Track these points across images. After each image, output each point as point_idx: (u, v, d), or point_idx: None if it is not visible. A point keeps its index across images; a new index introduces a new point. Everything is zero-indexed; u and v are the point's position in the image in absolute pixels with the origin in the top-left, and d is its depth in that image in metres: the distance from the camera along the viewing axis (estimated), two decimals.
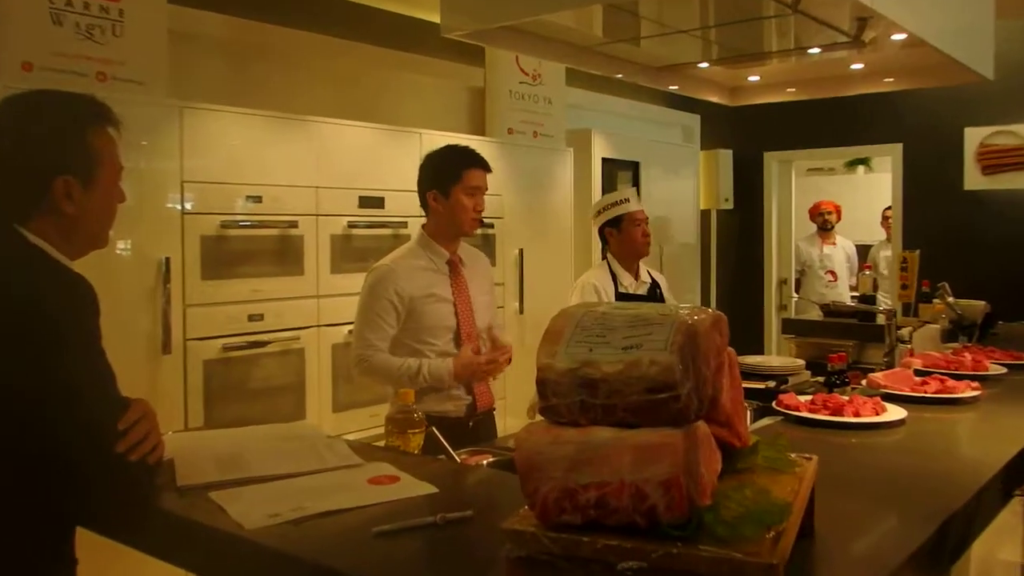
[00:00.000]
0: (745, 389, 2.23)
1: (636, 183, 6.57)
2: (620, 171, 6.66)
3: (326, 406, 4.16)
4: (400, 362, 2.79)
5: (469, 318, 2.92)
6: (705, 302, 7.60)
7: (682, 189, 7.26)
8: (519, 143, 5.37)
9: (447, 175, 2.88)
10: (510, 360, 2.94)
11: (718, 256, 7.79)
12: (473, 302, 2.95)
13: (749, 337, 7.53)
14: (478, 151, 2.98)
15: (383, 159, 4.39)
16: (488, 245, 4.98)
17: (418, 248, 2.93)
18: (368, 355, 2.79)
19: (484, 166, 2.92)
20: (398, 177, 4.29)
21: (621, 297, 3.76)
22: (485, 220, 5.24)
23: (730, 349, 1.47)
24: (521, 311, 5.20)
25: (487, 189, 2.94)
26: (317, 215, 4.11)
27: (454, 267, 2.94)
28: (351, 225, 4.22)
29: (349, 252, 4.23)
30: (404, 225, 4.35)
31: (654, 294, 3.90)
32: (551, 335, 1.30)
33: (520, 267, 5.19)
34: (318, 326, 4.11)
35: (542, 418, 1.29)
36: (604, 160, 6.16)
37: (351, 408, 4.24)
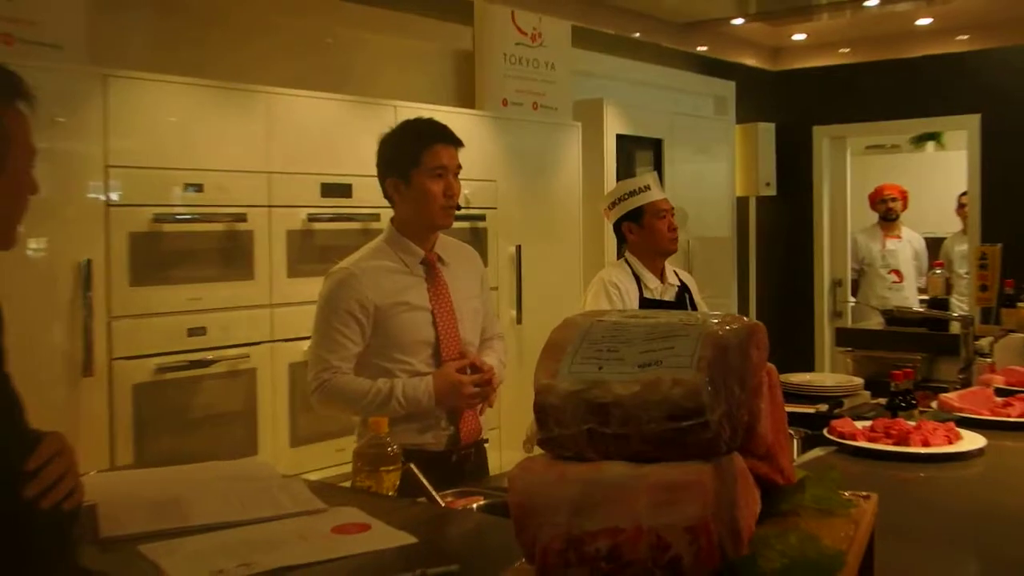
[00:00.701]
0: (790, 414, 2.24)
1: (658, 166, 6.59)
2: (639, 151, 6.67)
3: (282, 439, 4.16)
4: (367, 385, 2.79)
5: (452, 330, 2.92)
6: (742, 309, 7.63)
7: (714, 172, 7.28)
8: (516, 117, 5.39)
9: (404, 158, 2.89)
10: (493, 384, 2.93)
11: (758, 253, 7.81)
12: (457, 309, 2.95)
13: (796, 351, 7.55)
14: (457, 126, 2.99)
15: (350, 138, 4.39)
16: (478, 241, 5.00)
17: (385, 246, 2.94)
18: (327, 379, 2.80)
19: (450, 140, 2.92)
20: (369, 160, 4.24)
21: (646, 304, 3.77)
22: (476, 210, 5.42)
23: (771, 366, 1.47)
24: (518, 320, 5.22)
25: (460, 168, 2.94)
26: (270, 206, 4.11)
27: (431, 268, 2.95)
28: (312, 218, 4.23)
29: (309, 251, 4.23)
30: (376, 218, 4.35)
31: (683, 299, 3.92)
32: (552, 350, 1.30)
33: (517, 268, 5.21)
34: (272, 341, 4.11)
35: (542, 452, 1.29)
36: (619, 138, 6.18)
37: (312, 441, 4.24)
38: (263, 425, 4.10)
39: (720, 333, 1.26)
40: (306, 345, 4.02)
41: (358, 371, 2.84)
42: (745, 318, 1.38)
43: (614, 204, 3.95)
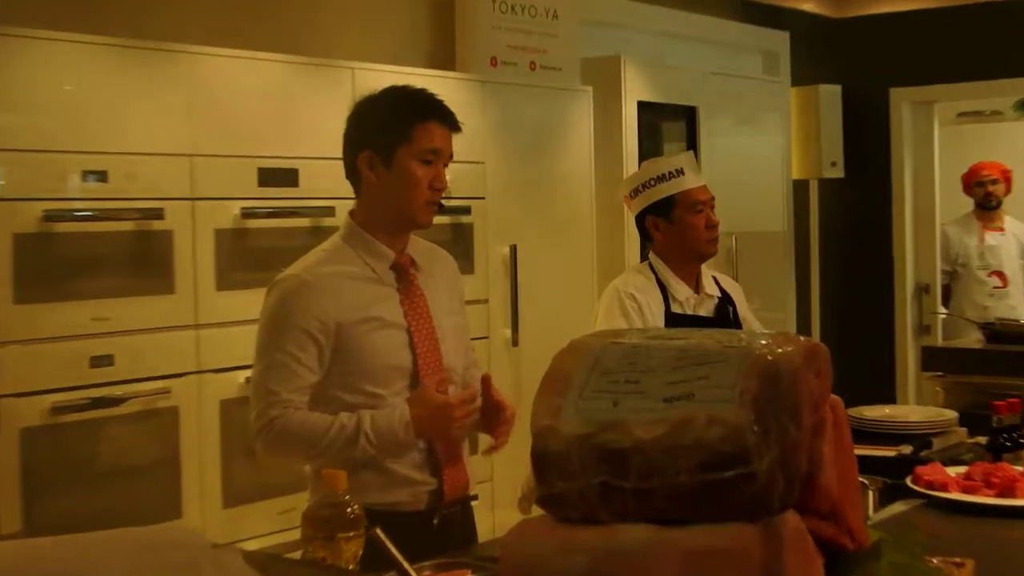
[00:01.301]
0: (863, 459, 2.24)
1: (691, 141, 6.60)
2: (667, 122, 6.67)
3: (212, 497, 4.15)
4: (327, 420, 2.80)
5: (433, 353, 2.94)
6: (801, 325, 7.64)
7: (764, 149, 7.29)
8: (508, 81, 5.40)
9: (390, 130, 2.90)
10: (512, 416, 2.97)
11: (822, 253, 7.82)
12: (439, 327, 2.97)
13: (870, 377, 7.56)
14: (441, 96, 3.00)
15: (297, 110, 4.39)
16: (461, 241, 5.00)
17: (345, 247, 2.95)
18: (276, 416, 2.80)
19: (448, 120, 2.95)
20: (319, 138, 4.28)
21: (675, 321, 3.77)
22: (459, 201, 5.31)
23: (836, 398, 1.47)
24: (514, 342, 5.21)
25: (452, 155, 2.97)
26: (194, 199, 4.11)
27: (404, 274, 2.97)
28: (247, 213, 4.23)
29: (245, 256, 4.23)
30: (329, 212, 4.35)
31: (725, 314, 3.93)
32: (554, 382, 1.31)
33: (512, 275, 5.22)
34: (199, 372, 4.11)
35: (542, 512, 1.29)
36: (642, 106, 6.19)
37: (251, 500, 4.23)
38: (188, 479, 4.09)
39: (769, 357, 1.27)
40: (241, 377, 4.02)
41: (313, 409, 2.85)
42: (802, 337, 1.39)
43: (637, 191, 3.96)
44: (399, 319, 2.91)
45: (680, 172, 3.89)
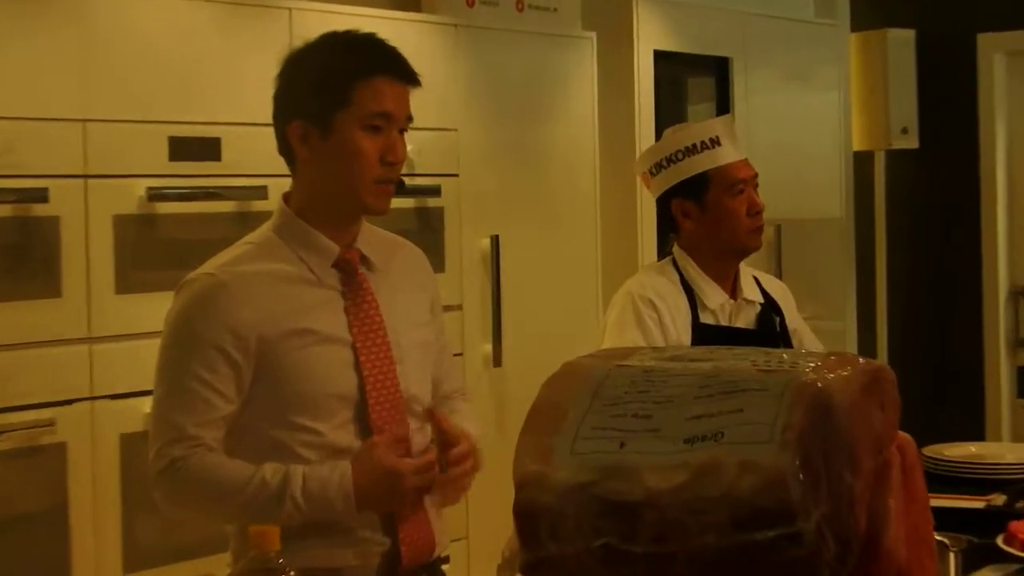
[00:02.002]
0: (941, 512, 2.25)
1: (724, 102, 6.60)
2: (692, 77, 6.66)
3: (110, 558, 4.15)
4: (245, 471, 2.78)
5: (387, 377, 2.92)
6: (866, 338, 7.64)
7: (816, 112, 7.30)
8: (489, 26, 5.41)
9: (324, 92, 2.88)
10: (475, 468, 2.94)
11: (890, 245, 7.83)
12: (395, 344, 2.96)
13: (952, 406, 7.56)
14: (393, 42, 2.97)
15: (220, 63, 4.40)
16: (428, 230, 5.01)
17: (276, 239, 2.95)
18: (180, 458, 2.79)
19: (400, 72, 2.92)
20: (247, 99, 4.28)
21: (705, 334, 3.77)
22: (425, 179, 5.28)
23: (906, 436, 1.48)
24: (495, 360, 5.23)
25: (410, 119, 2.96)
26: (86, 176, 4.11)
27: (351, 274, 2.96)
28: (155, 195, 4.23)
29: (152, 249, 4.24)
30: (261, 193, 4.37)
31: (770, 326, 3.94)
32: (544, 416, 1.31)
33: (494, 273, 5.23)
34: (92, 399, 4.12)
35: None
36: (660, 56, 6.21)
37: (159, 562, 4.23)
38: (80, 535, 4.09)
39: (819, 385, 1.27)
40: (147, 405, 3.99)
41: (232, 447, 2.84)
42: (862, 358, 1.39)
43: (660, 167, 3.94)
44: (341, 332, 2.89)
45: (715, 142, 3.87)
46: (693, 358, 1.40)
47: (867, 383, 1.37)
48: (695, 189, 3.86)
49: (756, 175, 3.90)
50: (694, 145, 3.88)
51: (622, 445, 1.30)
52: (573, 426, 1.33)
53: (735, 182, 3.83)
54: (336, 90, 2.88)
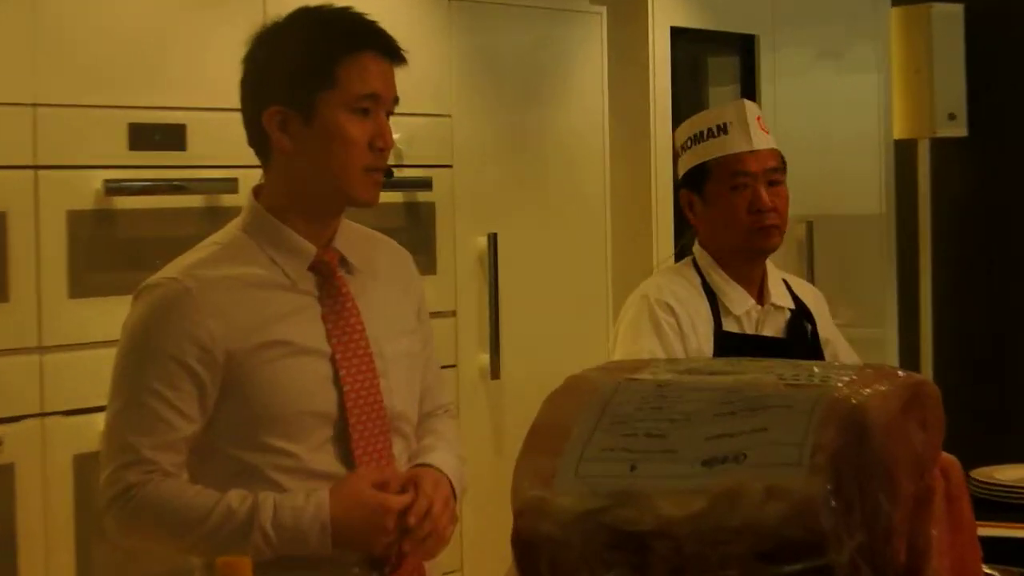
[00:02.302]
0: (991, 541, 2.24)
1: (750, 84, 6.60)
2: (714, 57, 6.66)
3: None
4: (209, 501, 2.78)
5: (369, 391, 2.93)
6: (908, 347, 7.64)
7: (852, 95, 7.30)
8: (485, 0, 5.40)
9: (305, 72, 2.89)
10: (451, 520, 2.92)
11: (936, 244, 7.82)
12: (379, 355, 2.96)
13: (1002, 424, 7.55)
14: (377, 18, 2.97)
15: (184, 43, 4.40)
16: (417, 226, 5.03)
17: (245, 239, 2.95)
18: (134, 484, 2.78)
19: (386, 48, 2.93)
20: (215, 82, 4.28)
21: (728, 343, 3.77)
22: (415, 171, 5.24)
23: (950, 458, 1.47)
24: (493, 373, 5.24)
25: (397, 99, 2.95)
26: (36, 167, 4.12)
27: (329, 277, 2.97)
28: (113, 188, 4.23)
29: (109, 249, 4.25)
30: (230, 186, 4.38)
31: (801, 335, 3.95)
32: (546, 435, 1.30)
33: (491, 275, 5.23)
34: (43, 415, 4.12)
35: None
36: (678, 34, 6.21)
37: None
38: (29, 565, 4.09)
39: (853, 401, 1.26)
40: (103, 422, 4.02)
41: (196, 470, 2.85)
42: (901, 371, 1.38)
43: (684, 148, 3.98)
44: (319, 343, 2.89)
45: (722, 129, 3.88)
46: (712, 371, 1.39)
47: (907, 399, 1.36)
48: (696, 180, 3.89)
49: (775, 168, 3.86)
50: (701, 132, 3.91)
51: (633, 468, 1.29)
52: (578, 447, 1.33)
53: (735, 174, 3.83)
54: (319, 70, 2.88)
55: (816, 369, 1.36)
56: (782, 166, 3.90)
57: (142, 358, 2.83)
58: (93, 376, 4.06)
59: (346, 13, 2.96)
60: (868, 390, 1.32)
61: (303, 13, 2.95)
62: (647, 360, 1.41)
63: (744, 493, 1.24)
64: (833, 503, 1.24)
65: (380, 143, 2.90)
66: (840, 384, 1.33)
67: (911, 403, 1.38)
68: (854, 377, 1.35)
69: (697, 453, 1.29)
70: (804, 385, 1.33)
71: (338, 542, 2.78)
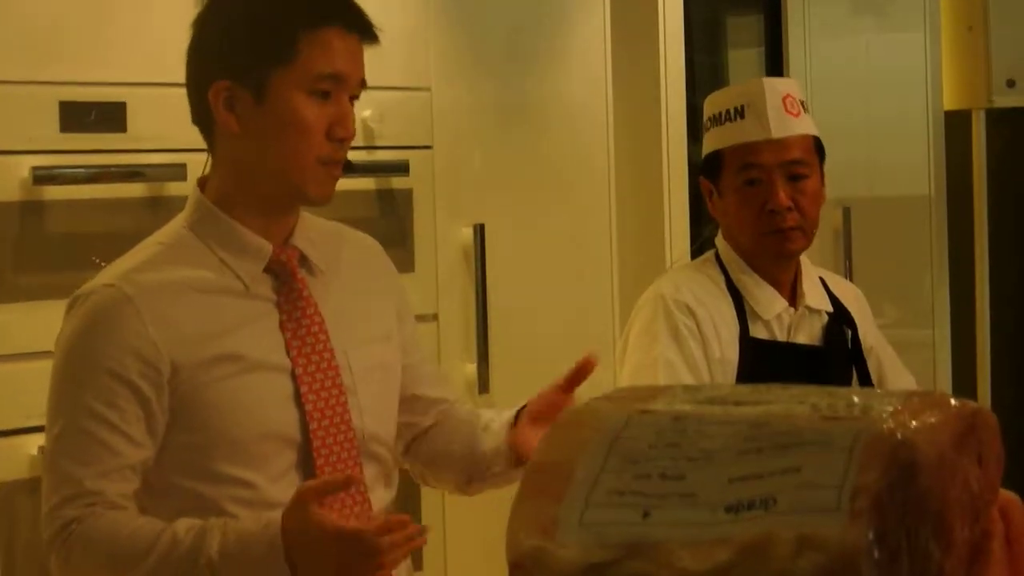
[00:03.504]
0: None
1: (775, 47, 6.62)
2: (733, 16, 6.69)
3: None
4: (151, 532, 2.80)
5: (337, 410, 2.96)
6: (962, 352, 7.65)
7: (895, 58, 7.32)
8: None
9: (263, 45, 2.91)
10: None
11: (993, 229, 7.82)
12: (346, 367, 3.00)
13: None
14: None
15: (123, 8, 4.42)
16: (392, 217, 5.06)
17: (191, 237, 2.99)
18: (75, 518, 2.80)
19: (356, 22, 2.97)
20: (158, 54, 4.30)
21: (756, 352, 3.80)
22: (389, 153, 5.20)
23: (1010, 496, 1.49)
24: (481, 385, 5.27)
25: (364, 82, 2.99)
26: None
27: (287, 280, 3.00)
28: (43, 176, 4.25)
29: (40, 246, 4.28)
30: (178, 173, 4.39)
31: (840, 342, 3.98)
32: (546, 476, 1.32)
33: (477, 273, 5.26)
34: None
35: None
36: None
37: None
38: None
39: (899, 435, 1.27)
40: (34, 444, 4.03)
41: (145, 505, 2.88)
42: (953, 399, 1.40)
43: (705, 128, 3.99)
44: (277, 355, 2.93)
45: (739, 112, 3.90)
46: (737, 400, 1.41)
47: (961, 432, 1.38)
48: (713, 168, 3.92)
49: (797, 160, 3.87)
50: (719, 114, 3.91)
51: (646, 515, 1.31)
52: (583, 490, 1.34)
53: (747, 166, 3.86)
54: (275, 42, 2.90)
55: (856, 398, 1.38)
56: (812, 157, 3.90)
57: (79, 377, 2.86)
58: (21, 393, 4.09)
59: None
60: (916, 422, 1.34)
61: None
62: (662, 387, 1.41)
63: (774, 543, 1.26)
64: (876, 554, 1.25)
65: (340, 131, 2.92)
66: (884, 416, 1.34)
67: (965, 436, 1.40)
68: (899, 407, 1.37)
69: (720, 497, 1.30)
70: (842, 417, 1.35)
71: (298, 565, 2.74)
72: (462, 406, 3.25)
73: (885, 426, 1.29)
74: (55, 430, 2.87)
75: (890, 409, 1.33)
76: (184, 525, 2.79)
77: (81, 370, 2.85)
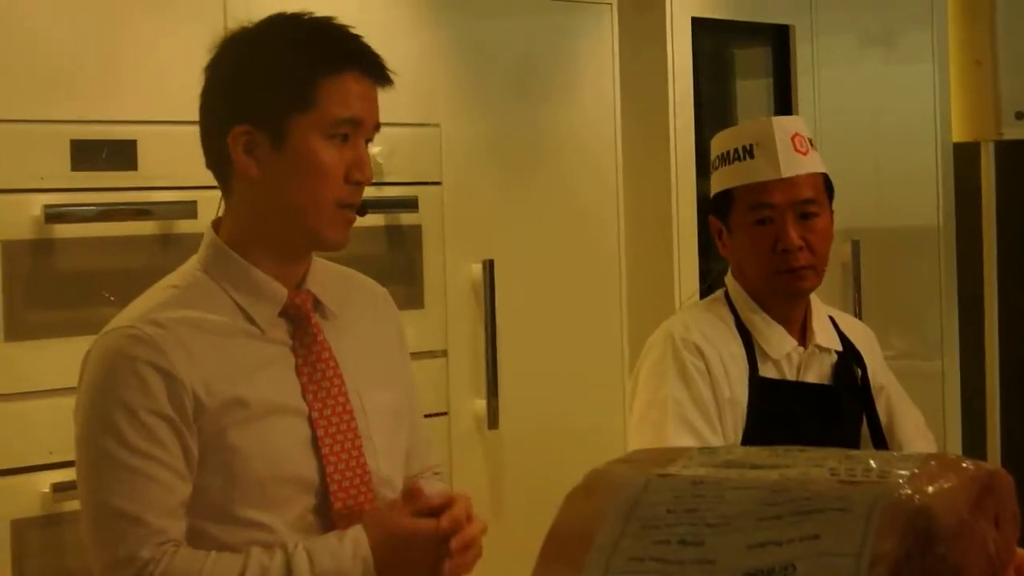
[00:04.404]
0: None
1: (783, 79, 6.62)
2: (742, 48, 6.68)
3: None
4: (233, 564, 2.79)
5: (353, 455, 2.95)
6: (972, 383, 7.62)
7: (903, 90, 7.31)
8: None
9: (284, 91, 2.90)
10: (483, 528, 2.95)
11: (1002, 262, 7.80)
12: (361, 410, 2.99)
13: None
14: (356, 16, 3.03)
15: (134, 47, 4.42)
16: (401, 253, 5.05)
17: (205, 280, 2.97)
18: (151, 560, 2.75)
19: (372, 68, 2.96)
20: (170, 91, 4.33)
21: (765, 392, 3.82)
22: (398, 189, 5.19)
23: None
24: (491, 422, 5.25)
25: (379, 125, 2.98)
26: None
27: (302, 324, 2.99)
28: (55, 214, 4.25)
29: (51, 284, 4.26)
30: (189, 211, 4.40)
31: (850, 381, 3.97)
32: (565, 542, 1.32)
33: (487, 309, 5.26)
34: None
35: None
36: (700, 24, 6.24)
37: None
38: None
39: (917, 502, 1.28)
40: (46, 482, 4.03)
41: None
42: (968, 462, 1.40)
43: (713, 167, 3.98)
44: (294, 399, 2.91)
45: (748, 152, 3.89)
46: (754, 464, 1.42)
47: (978, 495, 1.39)
48: (722, 207, 3.91)
49: (809, 200, 3.82)
50: (727, 153, 3.90)
51: None
52: (603, 556, 1.35)
53: (757, 205, 3.83)
54: (294, 88, 2.88)
55: (873, 463, 1.39)
56: (822, 195, 3.89)
57: (113, 418, 2.81)
58: (32, 430, 4.09)
59: (329, 25, 2.97)
60: (933, 487, 1.35)
61: (280, 21, 2.98)
62: (679, 449, 1.41)
63: None
64: None
65: (358, 175, 2.91)
66: (901, 481, 1.36)
67: (982, 499, 1.41)
68: (916, 471, 1.38)
69: (739, 564, 1.31)
70: (860, 482, 1.36)
71: (385, 567, 2.80)
72: (437, 478, 3.24)
73: (903, 492, 1.30)
74: (97, 479, 2.82)
75: (907, 474, 1.33)
76: (263, 555, 2.79)
77: (114, 412, 2.80)
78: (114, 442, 2.81)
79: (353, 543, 2.80)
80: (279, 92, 2.89)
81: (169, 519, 2.79)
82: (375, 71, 2.93)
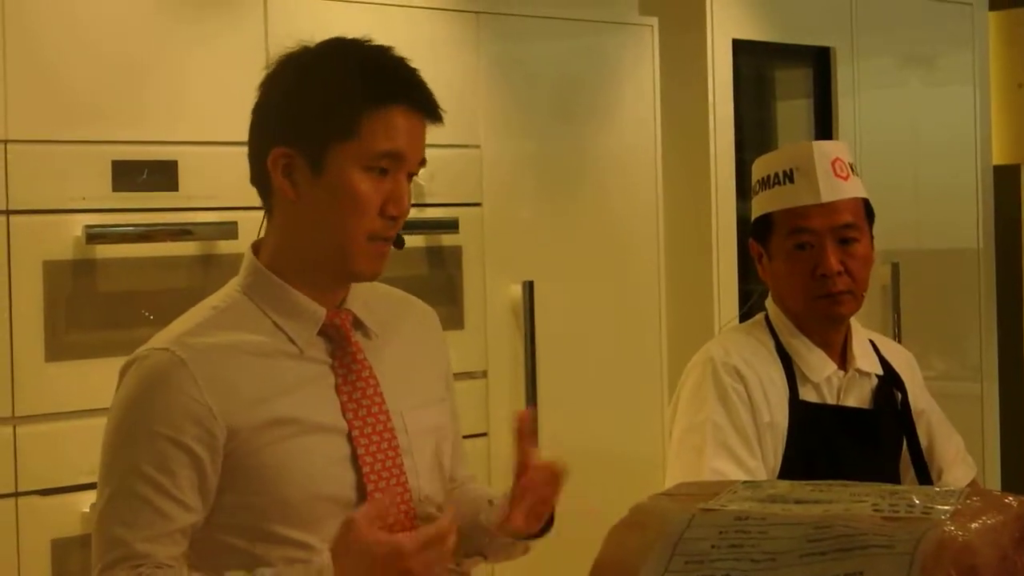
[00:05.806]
0: None
1: (824, 100, 6.60)
2: (783, 71, 6.65)
3: None
4: None
5: (393, 472, 2.94)
6: (1011, 406, 7.59)
7: (944, 113, 7.28)
8: (520, 12, 5.42)
9: (327, 118, 2.89)
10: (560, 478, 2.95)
11: None
12: (402, 429, 2.98)
13: None
14: (402, 39, 3.01)
15: (174, 67, 4.42)
16: (442, 274, 5.05)
17: (245, 301, 2.96)
18: None
19: (419, 101, 2.93)
20: (211, 112, 4.34)
21: (805, 416, 3.80)
22: (439, 211, 5.19)
23: None
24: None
25: (424, 161, 2.97)
26: (7, 212, 4.15)
27: (342, 343, 2.98)
28: (95, 235, 4.26)
29: (91, 305, 4.27)
30: (230, 231, 4.40)
31: (890, 405, 3.95)
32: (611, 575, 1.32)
33: (527, 330, 5.24)
34: (16, 495, 4.14)
35: None
36: (741, 47, 6.23)
37: None
38: None
39: (960, 539, 1.27)
40: (86, 502, 4.02)
41: (194, 562, 2.85)
42: (1011, 498, 1.39)
43: (754, 192, 3.96)
44: (333, 417, 2.91)
45: (788, 176, 3.87)
46: (798, 499, 1.41)
47: (1021, 531, 1.38)
48: (762, 232, 3.89)
49: (848, 224, 3.79)
50: (767, 177, 3.88)
51: None
52: None
53: (797, 230, 3.80)
54: (338, 117, 2.86)
55: (916, 499, 1.38)
56: (862, 220, 3.86)
57: (133, 440, 2.82)
58: (73, 450, 4.10)
59: (384, 56, 2.95)
60: (976, 524, 1.34)
61: (338, 46, 2.96)
62: (723, 483, 1.41)
63: None
64: None
65: (393, 209, 2.88)
66: (943, 518, 1.34)
67: (1023, 534, 1.39)
68: (959, 508, 1.37)
69: None
70: (903, 518, 1.35)
71: None
72: (475, 483, 3.23)
73: (946, 529, 1.29)
74: (106, 493, 2.83)
75: (949, 510, 1.32)
76: (266, 572, 2.77)
77: (135, 434, 2.82)
78: (127, 465, 2.82)
79: (318, 571, 2.74)
80: (322, 119, 2.87)
81: (156, 544, 2.78)
82: (424, 106, 2.91)
